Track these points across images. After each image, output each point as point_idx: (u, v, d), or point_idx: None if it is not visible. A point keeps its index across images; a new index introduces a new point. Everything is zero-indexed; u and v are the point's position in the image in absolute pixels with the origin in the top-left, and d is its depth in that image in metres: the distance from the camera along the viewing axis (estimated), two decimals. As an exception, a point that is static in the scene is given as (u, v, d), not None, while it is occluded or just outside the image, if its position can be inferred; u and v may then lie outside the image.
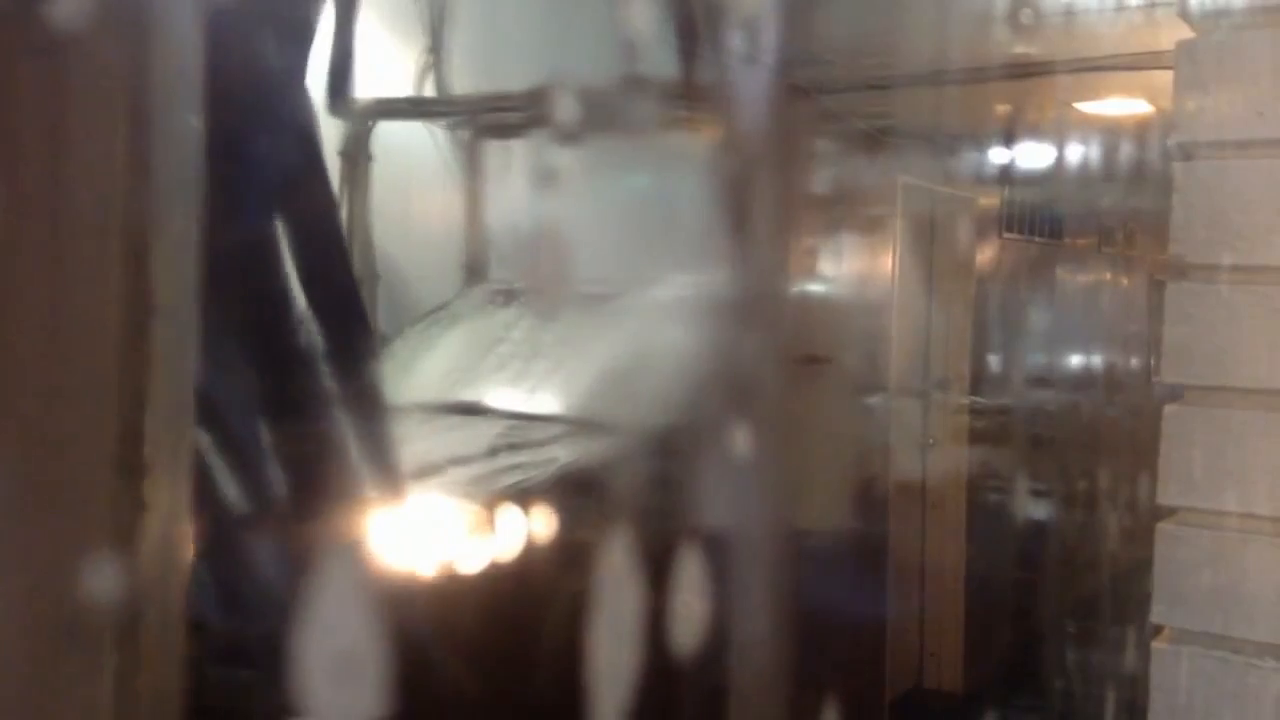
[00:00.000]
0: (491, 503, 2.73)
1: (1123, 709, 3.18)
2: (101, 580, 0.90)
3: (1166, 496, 1.81)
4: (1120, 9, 3.35)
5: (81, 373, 0.90)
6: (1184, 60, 1.82)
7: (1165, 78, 1.94)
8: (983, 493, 4.79)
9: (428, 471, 2.81)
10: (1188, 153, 1.81)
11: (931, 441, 4.75)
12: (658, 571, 2.17)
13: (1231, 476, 1.72)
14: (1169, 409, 1.81)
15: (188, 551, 1.00)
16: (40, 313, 0.89)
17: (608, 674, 1.91)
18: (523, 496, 2.78)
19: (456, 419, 3.30)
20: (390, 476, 2.37)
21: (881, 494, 4.42)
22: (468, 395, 3.45)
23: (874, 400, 4.42)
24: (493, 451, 3.02)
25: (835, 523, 4.01)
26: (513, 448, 3.05)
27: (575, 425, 3.23)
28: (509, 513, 2.73)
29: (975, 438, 4.78)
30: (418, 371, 3.71)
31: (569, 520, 2.74)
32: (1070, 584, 4.85)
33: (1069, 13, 3.53)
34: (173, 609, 0.95)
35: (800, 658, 2.53)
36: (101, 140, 0.91)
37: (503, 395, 3.41)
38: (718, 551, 2.34)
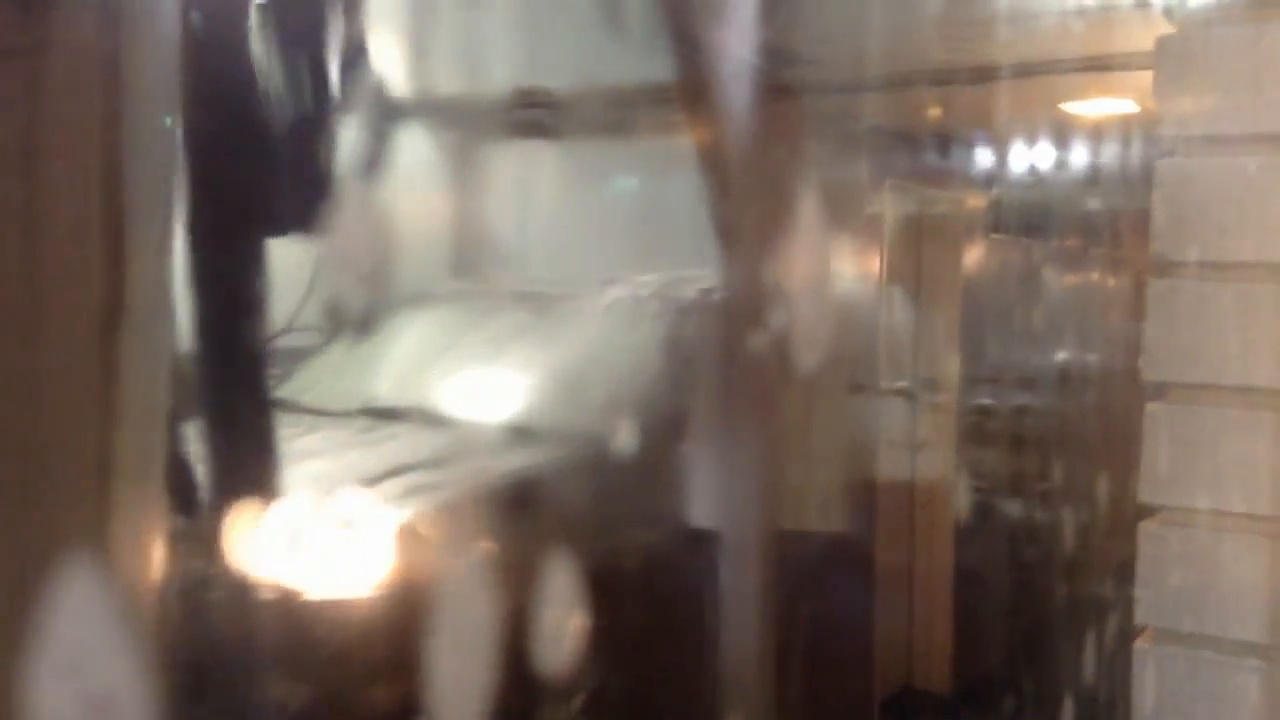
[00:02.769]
0: (433, 514, 2.66)
1: (1109, 709, 3.17)
2: (81, 580, 0.89)
3: (1148, 495, 1.80)
4: (1104, 7, 3.35)
5: (55, 376, 0.90)
6: (1164, 56, 1.82)
7: (1149, 76, 1.94)
8: (971, 493, 4.79)
9: (367, 481, 2.73)
10: (1169, 149, 1.81)
11: (919, 442, 4.75)
12: (621, 578, 2.15)
13: (1212, 474, 1.71)
14: (1151, 407, 1.80)
15: (160, 552, 0.99)
16: (15, 313, 0.88)
17: (571, 683, 1.90)
18: (466, 507, 2.70)
19: (402, 425, 3.21)
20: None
21: (869, 494, 4.41)
22: (414, 401, 3.36)
23: (861, 401, 4.41)
24: (438, 461, 2.94)
25: (822, 524, 4.00)
26: (458, 456, 2.97)
27: (534, 433, 3.15)
28: (449, 525, 2.65)
29: (963, 437, 4.78)
30: (358, 377, 3.64)
31: (518, 532, 2.67)
32: (1059, 584, 4.85)
33: (1053, 13, 3.53)
34: (147, 610, 0.95)
35: (789, 660, 2.52)
36: (77, 144, 0.90)
37: (453, 401, 3.33)
38: (700, 554, 2.33)
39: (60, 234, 0.92)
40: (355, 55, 2.55)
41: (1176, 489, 1.76)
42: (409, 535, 2.62)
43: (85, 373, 0.93)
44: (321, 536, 2.55)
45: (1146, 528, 1.80)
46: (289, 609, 2.42)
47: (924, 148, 4.56)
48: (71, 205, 0.93)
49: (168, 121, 0.99)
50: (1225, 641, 1.71)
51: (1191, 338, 1.74)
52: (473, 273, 4.17)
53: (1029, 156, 4.54)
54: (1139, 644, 1.80)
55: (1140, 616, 1.82)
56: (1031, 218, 5.06)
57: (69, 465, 0.92)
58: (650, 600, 2.42)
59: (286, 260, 4.05)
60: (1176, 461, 1.75)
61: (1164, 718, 1.76)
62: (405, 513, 2.66)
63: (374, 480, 2.78)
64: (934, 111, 4.19)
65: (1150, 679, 1.77)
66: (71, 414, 0.92)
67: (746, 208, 2.69)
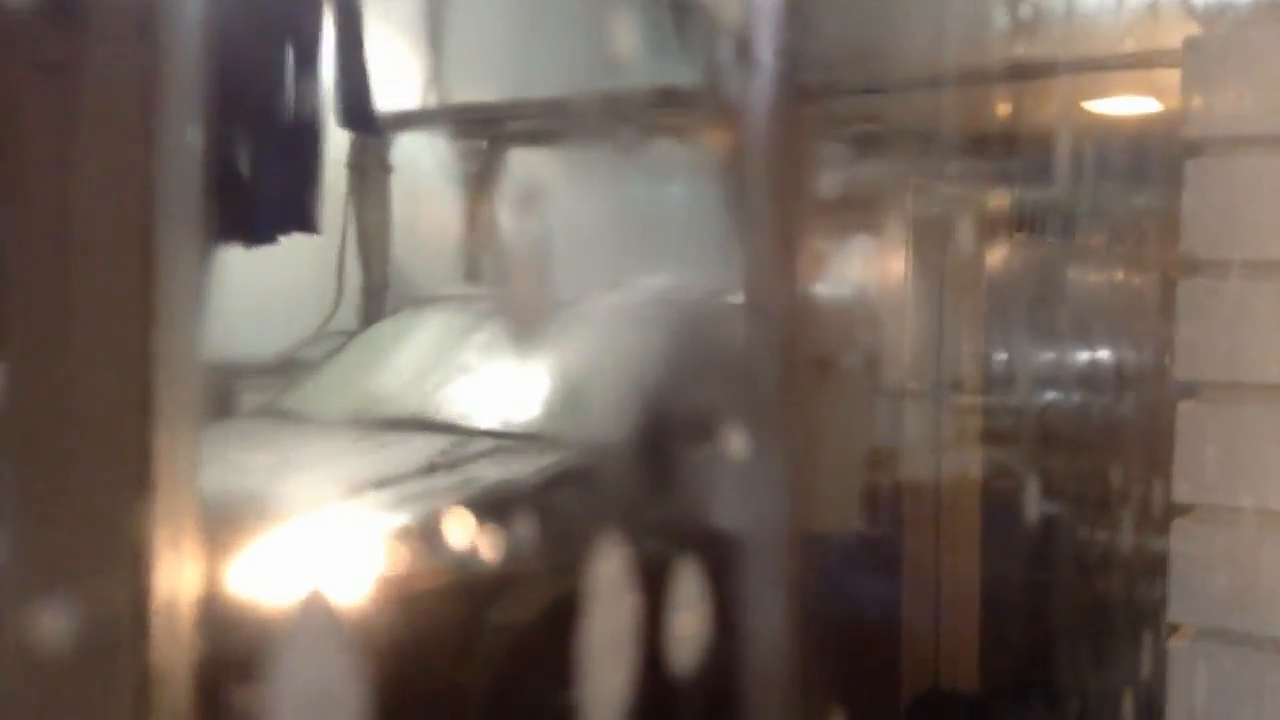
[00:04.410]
0: (420, 523, 2.61)
1: (1141, 709, 3.16)
2: (113, 596, 0.90)
3: (1181, 494, 1.80)
4: (1130, 7, 3.34)
5: (89, 387, 0.91)
6: (1191, 56, 1.82)
7: (1174, 76, 1.93)
8: (997, 494, 4.77)
9: (356, 490, 2.69)
10: (1197, 149, 1.81)
11: (945, 442, 4.74)
12: (641, 579, 2.13)
13: (1246, 473, 1.71)
14: (1183, 406, 1.80)
15: (198, 566, 0.99)
16: (48, 327, 0.89)
17: (600, 686, 1.89)
18: (454, 517, 2.65)
19: (396, 434, 3.16)
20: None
21: (895, 496, 4.40)
22: (411, 409, 3.31)
23: (887, 402, 4.41)
24: (430, 469, 2.88)
25: (848, 525, 4.00)
26: (452, 465, 2.91)
27: (547, 440, 3.09)
28: (438, 534, 2.60)
29: (989, 438, 4.76)
30: (358, 385, 3.61)
31: (502, 541, 2.63)
32: (1087, 584, 4.84)
33: (1075, 12, 3.53)
34: (184, 623, 0.95)
35: (815, 662, 2.52)
36: (108, 156, 0.91)
37: (450, 409, 3.27)
38: (721, 558, 2.32)
39: (93, 241, 0.93)
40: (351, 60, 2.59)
41: (1209, 487, 1.75)
42: (419, 541, 2.60)
43: (118, 380, 0.94)
44: (333, 544, 2.55)
45: (1179, 526, 1.80)
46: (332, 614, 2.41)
47: (948, 148, 4.56)
48: (104, 214, 0.94)
49: (195, 132, 1.00)
50: (1261, 639, 1.71)
51: (1223, 337, 1.74)
52: (477, 277, 4.16)
53: (1054, 156, 4.53)
54: (1173, 642, 1.80)
55: (1173, 615, 1.82)
56: (1056, 217, 5.05)
57: (102, 473, 0.93)
58: (676, 600, 2.41)
59: (308, 269, 4.08)
60: (1209, 460, 1.75)
61: (1198, 717, 1.75)
62: (415, 518, 2.64)
63: (377, 487, 2.76)
64: (958, 111, 4.19)
65: (1185, 677, 1.76)
66: (105, 421, 0.93)
67: (769, 210, 2.69)
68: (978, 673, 4.76)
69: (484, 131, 4.30)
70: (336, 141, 3.99)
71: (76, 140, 0.89)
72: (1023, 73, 3.70)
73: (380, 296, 4.33)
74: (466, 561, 2.62)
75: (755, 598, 2.45)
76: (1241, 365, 1.72)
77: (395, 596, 2.49)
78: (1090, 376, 5.04)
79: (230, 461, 2.51)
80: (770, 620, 2.47)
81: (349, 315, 4.24)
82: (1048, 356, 5.10)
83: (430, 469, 2.85)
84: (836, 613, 3.50)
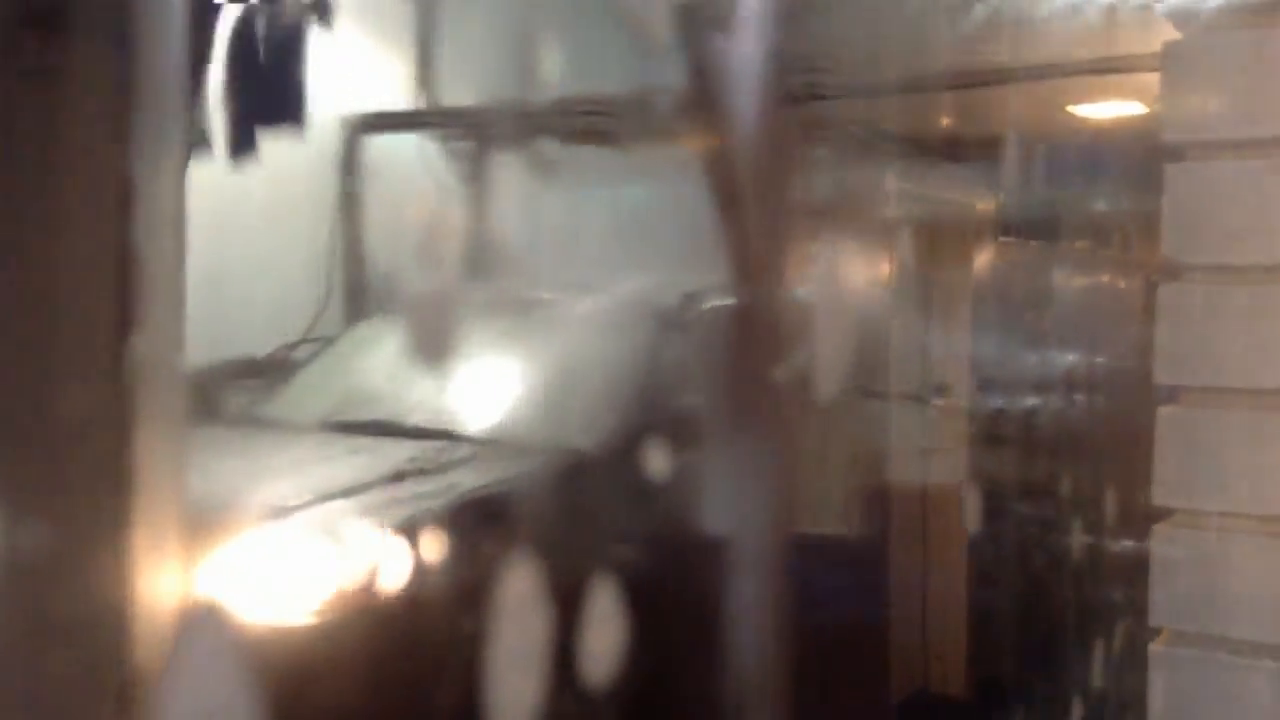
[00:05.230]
0: (387, 533, 2.57)
1: (1124, 711, 3.16)
2: (96, 590, 0.90)
3: (1162, 498, 1.80)
4: (1111, 11, 3.34)
5: (73, 383, 0.91)
6: (1171, 61, 1.82)
7: (1157, 80, 1.94)
8: (984, 497, 4.78)
9: (323, 499, 2.64)
10: (1177, 153, 1.81)
11: (931, 446, 4.74)
12: (628, 587, 2.11)
13: (1226, 477, 1.71)
14: (1163, 410, 1.80)
15: (179, 561, 0.99)
16: (34, 323, 0.89)
17: (574, 692, 1.89)
18: (423, 526, 2.59)
19: (368, 440, 3.09)
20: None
21: (882, 500, 4.40)
22: (384, 414, 3.24)
23: (873, 407, 4.40)
24: (398, 476, 2.83)
25: (837, 529, 4.00)
26: (422, 473, 2.86)
27: (521, 446, 3.04)
28: (406, 544, 2.56)
29: (975, 442, 4.77)
30: (333, 390, 3.57)
31: (474, 552, 2.58)
32: (1072, 587, 4.84)
33: (1060, 16, 3.53)
34: (165, 619, 0.95)
35: (803, 666, 2.51)
36: (92, 158, 0.91)
37: (423, 414, 3.22)
38: (710, 562, 2.31)
39: (75, 248, 0.93)
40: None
41: (1190, 492, 1.76)
42: (407, 546, 2.57)
43: (98, 384, 0.94)
44: (295, 554, 2.52)
45: (1160, 530, 1.80)
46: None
47: (932, 152, 4.56)
48: (86, 219, 0.94)
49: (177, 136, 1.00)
50: (1240, 643, 1.71)
51: (1203, 341, 1.74)
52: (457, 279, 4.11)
53: (1037, 160, 4.53)
54: (1154, 647, 1.80)
55: (1154, 619, 1.82)
56: (1040, 221, 5.06)
57: (82, 477, 0.93)
58: (655, 608, 2.39)
59: (299, 271, 4.06)
60: (1189, 464, 1.75)
61: (1179, 718, 1.76)
62: (380, 526, 2.61)
63: (345, 495, 2.72)
64: (942, 116, 4.19)
65: (1165, 680, 1.77)
66: (85, 426, 0.93)
67: (753, 215, 2.69)
68: (965, 676, 4.77)
69: (466, 134, 4.30)
70: (327, 141, 4.00)
71: (61, 143, 0.89)
72: (1007, 78, 3.71)
73: (362, 299, 4.31)
74: (434, 571, 2.59)
75: (744, 603, 2.45)
76: (1221, 369, 1.73)
77: (359, 607, 2.47)
78: (1075, 381, 5.04)
79: (201, 468, 2.49)
80: (761, 625, 2.46)
81: (334, 318, 4.23)
82: (1033, 361, 5.10)
83: (399, 476, 2.82)
84: (826, 616, 3.50)
